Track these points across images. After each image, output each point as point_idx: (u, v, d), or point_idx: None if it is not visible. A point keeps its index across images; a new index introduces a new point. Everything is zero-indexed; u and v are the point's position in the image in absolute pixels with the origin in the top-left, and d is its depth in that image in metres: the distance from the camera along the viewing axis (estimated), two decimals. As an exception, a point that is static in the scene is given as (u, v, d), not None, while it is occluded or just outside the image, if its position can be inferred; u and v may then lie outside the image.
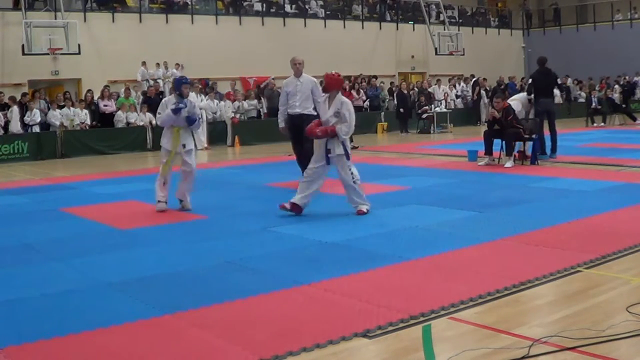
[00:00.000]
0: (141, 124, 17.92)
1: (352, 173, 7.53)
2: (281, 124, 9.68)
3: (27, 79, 19.25)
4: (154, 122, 17.98)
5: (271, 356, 3.57)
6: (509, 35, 31.75)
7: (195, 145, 8.77)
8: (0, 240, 6.83)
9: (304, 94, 9.37)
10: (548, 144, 12.25)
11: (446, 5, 28.60)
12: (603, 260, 5.29)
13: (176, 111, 8.14)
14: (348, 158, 7.54)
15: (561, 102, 12.23)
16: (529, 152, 11.72)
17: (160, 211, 8.19)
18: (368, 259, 5.52)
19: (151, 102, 18.49)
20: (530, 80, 12.63)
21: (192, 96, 9.08)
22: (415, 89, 23.08)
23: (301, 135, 8.85)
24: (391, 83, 24.98)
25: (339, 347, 3.71)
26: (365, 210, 7.59)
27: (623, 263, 5.23)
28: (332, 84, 7.60)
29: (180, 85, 8.35)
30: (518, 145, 11.67)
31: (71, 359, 3.68)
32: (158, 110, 8.53)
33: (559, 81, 12.29)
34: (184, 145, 8.28)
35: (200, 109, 15.25)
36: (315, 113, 8.90)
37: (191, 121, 8.27)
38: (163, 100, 8.70)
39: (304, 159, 8.97)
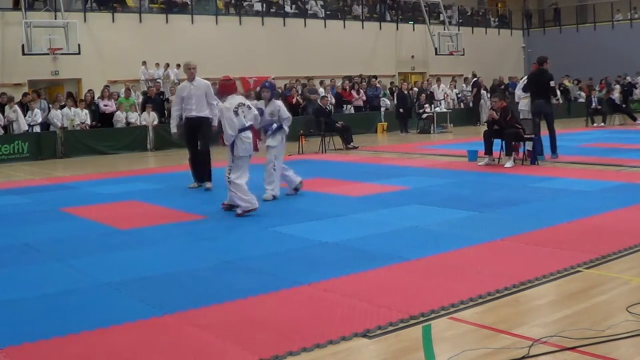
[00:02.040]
0: (144, 123, 17.92)
1: (229, 171, 7.77)
2: (174, 129, 10.01)
3: (27, 79, 19.24)
4: (156, 121, 18.02)
5: (271, 356, 3.57)
6: (509, 35, 31.75)
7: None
8: (0, 240, 6.83)
9: (198, 98, 9.72)
10: (545, 144, 12.24)
11: (446, 5, 28.60)
12: (603, 260, 5.29)
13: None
14: (232, 160, 7.79)
15: (556, 103, 12.14)
16: (535, 152, 11.66)
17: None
18: (368, 259, 5.52)
19: (152, 102, 18.52)
20: (525, 80, 12.66)
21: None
22: (415, 89, 23.08)
23: (197, 137, 9.83)
24: (391, 83, 24.99)
25: (339, 347, 3.71)
26: (240, 212, 7.66)
27: (623, 263, 5.23)
28: (222, 90, 8.09)
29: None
30: (527, 144, 11.61)
31: (71, 359, 3.69)
32: None
33: (552, 84, 12.19)
34: None
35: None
36: (210, 116, 9.76)
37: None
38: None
39: (198, 162, 9.98)
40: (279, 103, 9.11)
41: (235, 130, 7.66)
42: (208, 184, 9.95)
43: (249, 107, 7.98)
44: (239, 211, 7.67)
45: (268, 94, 8.95)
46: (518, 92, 12.95)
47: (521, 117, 12.32)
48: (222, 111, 7.84)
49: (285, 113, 8.95)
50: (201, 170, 10.02)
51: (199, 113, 9.75)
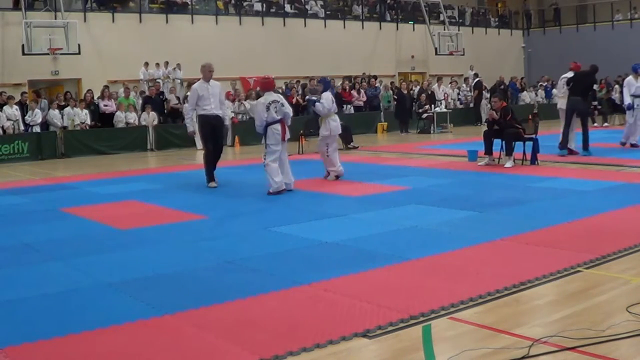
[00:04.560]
0: (143, 123, 17.92)
1: (264, 156, 9.24)
2: (191, 127, 10.62)
3: (27, 79, 19.23)
4: (156, 121, 18.01)
5: (271, 356, 3.57)
6: (509, 35, 31.73)
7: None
8: (0, 240, 6.83)
9: (215, 97, 10.29)
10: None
11: (446, 5, 28.58)
12: (603, 260, 5.29)
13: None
14: (266, 147, 9.29)
15: (593, 107, 13.10)
16: (535, 151, 11.70)
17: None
18: (368, 259, 5.52)
19: (152, 102, 18.51)
20: (571, 75, 12.93)
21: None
22: (414, 89, 23.05)
23: (218, 134, 10.42)
24: (391, 83, 24.98)
25: (339, 347, 3.71)
26: (271, 191, 9.12)
27: (623, 263, 5.23)
28: (262, 87, 9.87)
29: None
30: (529, 145, 11.65)
31: (71, 359, 3.69)
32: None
33: (595, 87, 12.80)
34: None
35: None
36: (222, 115, 10.49)
37: None
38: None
39: (218, 155, 10.43)
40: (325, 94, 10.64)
41: (262, 122, 9.21)
42: (214, 183, 10.28)
43: (282, 105, 9.38)
44: (270, 190, 9.13)
45: (321, 87, 11.05)
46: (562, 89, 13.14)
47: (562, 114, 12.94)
48: (256, 105, 9.55)
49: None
50: (213, 167, 10.38)
51: (217, 111, 10.29)
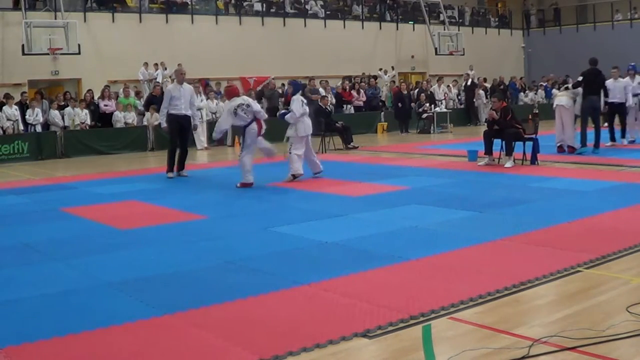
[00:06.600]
0: (145, 124, 17.88)
1: (240, 151, 10.18)
2: (164, 124, 11.73)
3: (27, 79, 19.23)
4: (157, 121, 17.95)
5: (271, 356, 3.57)
6: (509, 35, 31.73)
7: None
8: (0, 240, 6.83)
9: (186, 99, 11.55)
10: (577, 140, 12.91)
11: (446, 5, 28.58)
12: (603, 260, 5.29)
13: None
14: (242, 144, 10.23)
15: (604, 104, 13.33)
16: (535, 151, 11.71)
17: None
18: (368, 259, 5.52)
19: (155, 101, 18.45)
20: (580, 78, 13.06)
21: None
22: (414, 90, 23.04)
23: (186, 132, 11.78)
24: (392, 82, 24.98)
25: (339, 347, 3.71)
26: (238, 184, 9.90)
27: (623, 263, 5.23)
28: (226, 94, 10.75)
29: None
30: (524, 144, 11.67)
31: (71, 359, 3.69)
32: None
33: (606, 83, 13.15)
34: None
35: (199, 109, 15.71)
36: (191, 115, 11.75)
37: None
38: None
39: (185, 153, 11.83)
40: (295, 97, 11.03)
41: (228, 125, 10.36)
42: (185, 173, 11.72)
43: (248, 105, 9.88)
44: (237, 184, 9.87)
45: (291, 89, 11.89)
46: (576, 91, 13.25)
47: (558, 113, 13.00)
48: (224, 110, 10.31)
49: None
50: (182, 160, 11.72)
51: (187, 112, 11.58)
